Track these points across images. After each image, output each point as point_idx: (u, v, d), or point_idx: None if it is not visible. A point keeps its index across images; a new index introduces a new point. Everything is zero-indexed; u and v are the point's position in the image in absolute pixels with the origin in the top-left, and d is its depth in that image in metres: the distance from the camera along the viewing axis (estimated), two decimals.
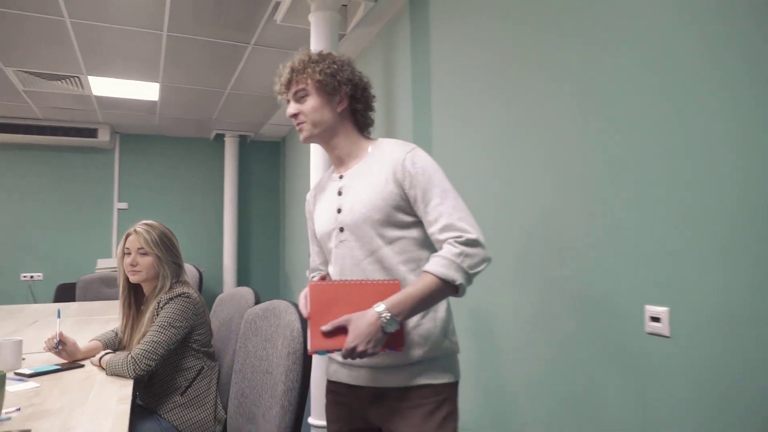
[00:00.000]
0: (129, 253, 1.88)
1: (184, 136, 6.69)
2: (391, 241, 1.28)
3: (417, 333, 1.26)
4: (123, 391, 1.54)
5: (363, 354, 1.14)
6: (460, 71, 2.63)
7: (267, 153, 7.14)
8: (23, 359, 1.92)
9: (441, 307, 1.30)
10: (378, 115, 1.60)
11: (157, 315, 1.80)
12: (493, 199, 2.31)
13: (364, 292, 1.18)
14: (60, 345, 1.82)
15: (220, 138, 6.69)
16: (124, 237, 1.93)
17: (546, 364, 1.99)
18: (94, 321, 2.87)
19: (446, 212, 1.23)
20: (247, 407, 1.55)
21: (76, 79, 4.48)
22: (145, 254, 1.87)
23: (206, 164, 6.79)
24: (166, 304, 1.81)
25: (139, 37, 3.69)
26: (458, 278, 1.17)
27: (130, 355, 1.68)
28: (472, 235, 1.20)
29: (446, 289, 1.19)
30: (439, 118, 2.83)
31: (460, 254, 1.18)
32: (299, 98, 1.36)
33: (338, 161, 1.41)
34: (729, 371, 1.37)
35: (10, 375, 1.71)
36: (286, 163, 6.91)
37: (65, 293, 4.67)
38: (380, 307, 1.15)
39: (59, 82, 4.55)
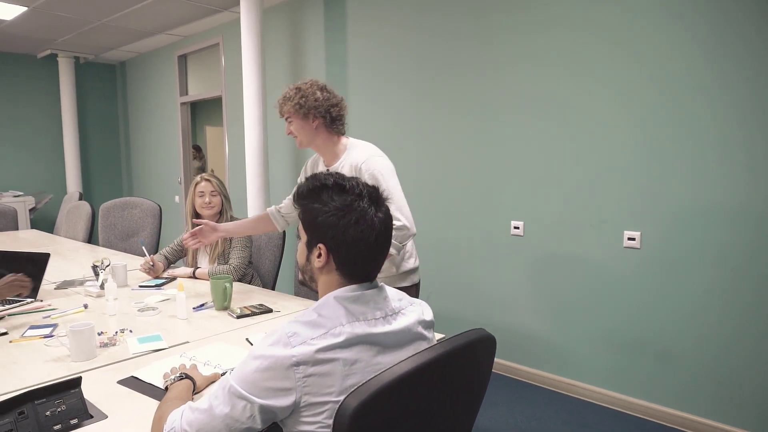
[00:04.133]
0: (203, 195, 2.61)
1: (8, 52, 6.14)
2: None
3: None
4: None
5: None
6: (375, 64, 3.71)
7: (102, 75, 6.92)
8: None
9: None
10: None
11: (231, 239, 2.63)
12: (413, 166, 3.55)
13: None
14: (153, 265, 2.56)
15: (51, 58, 6.29)
16: (194, 184, 2.63)
17: (448, 254, 3.43)
18: None
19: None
20: None
21: None
22: (216, 195, 2.63)
23: (36, 83, 6.36)
24: None
25: None
26: (392, 251, 1.86)
27: (231, 266, 2.54)
28: (400, 223, 1.90)
29: None
30: (356, 102, 3.88)
31: (393, 236, 1.60)
32: (289, 122, 2.03)
33: (324, 156, 2.09)
34: (555, 255, 2.96)
35: (135, 287, 2.42)
36: (127, 88, 6.87)
37: None
38: None
39: None
